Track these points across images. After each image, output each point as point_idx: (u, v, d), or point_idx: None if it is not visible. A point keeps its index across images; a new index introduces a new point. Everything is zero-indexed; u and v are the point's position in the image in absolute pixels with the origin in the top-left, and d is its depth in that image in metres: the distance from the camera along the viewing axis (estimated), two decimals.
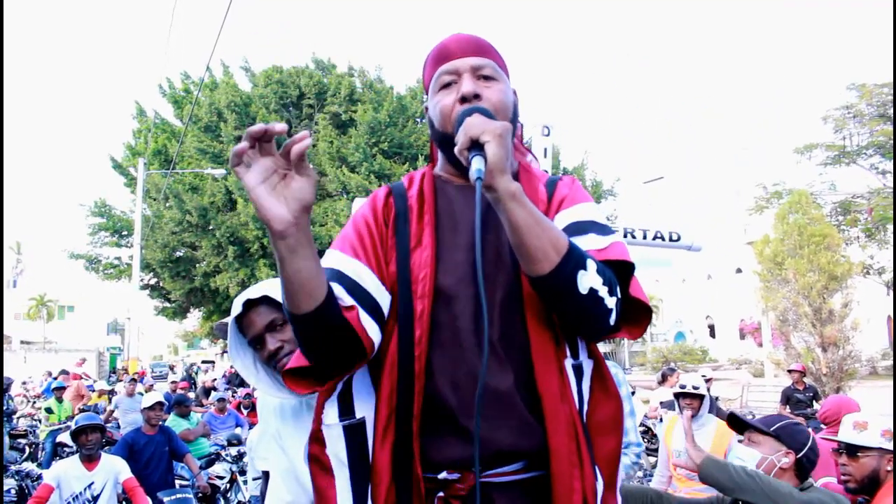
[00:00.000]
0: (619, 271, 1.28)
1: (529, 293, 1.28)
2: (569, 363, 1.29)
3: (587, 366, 1.33)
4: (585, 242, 1.28)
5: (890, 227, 21.43)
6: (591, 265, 1.20)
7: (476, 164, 1.16)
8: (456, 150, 1.21)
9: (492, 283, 1.30)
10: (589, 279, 1.19)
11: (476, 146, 1.18)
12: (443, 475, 1.25)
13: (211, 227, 21.74)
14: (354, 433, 1.30)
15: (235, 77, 23.82)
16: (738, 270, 34.92)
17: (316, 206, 21.72)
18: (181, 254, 23.31)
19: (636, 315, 1.33)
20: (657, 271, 46.62)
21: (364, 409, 1.30)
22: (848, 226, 21.87)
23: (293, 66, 23.50)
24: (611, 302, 1.22)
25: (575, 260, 1.19)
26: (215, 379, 19.05)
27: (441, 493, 1.25)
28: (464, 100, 1.36)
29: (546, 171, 1.63)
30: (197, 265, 22.86)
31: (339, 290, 1.26)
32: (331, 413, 1.32)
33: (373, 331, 1.26)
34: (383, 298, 1.30)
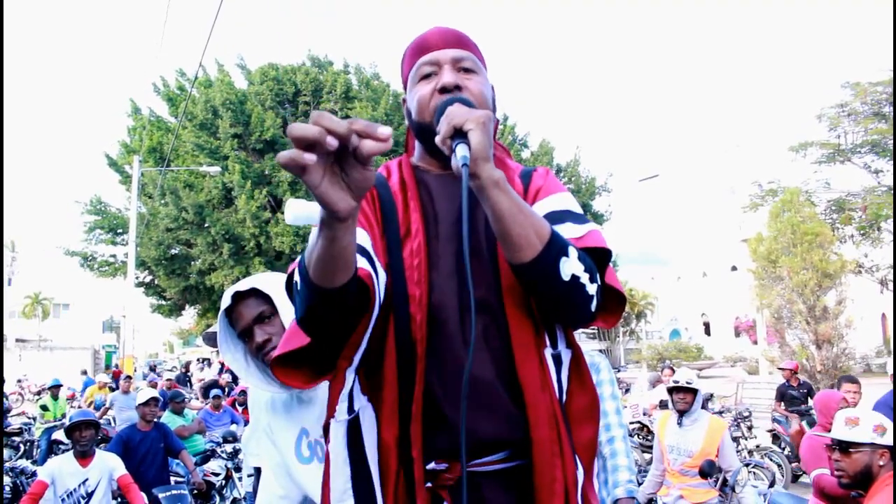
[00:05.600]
0: (596, 259, 1.28)
1: (508, 285, 1.29)
2: (548, 353, 1.30)
3: (566, 355, 1.34)
4: (563, 231, 1.28)
5: (884, 225, 21.50)
6: (573, 252, 1.21)
7: (461, 151, 1.16)
8: (438, 139, 1.21)
9: (471, 275, 1.30)
10: (571, 266, 1.19)
11: (459, 134, 1.18)
12: (431, 465, 1.25)
13: (206, 225, 21.71)
14: (353, 427, 1.29)
15: (231, 74, 23.78)
16: (734, 268, 35.00)
17: None
18: (176, 251, 23.29)
19: (610, 304, 1.34)
20: (653, 269, 46.80)
21: (359, 401, 1.29)
22: (842, 224, 21.90)
23: (289, 63, 23.48)
24: (592, 289, 1.23)
25: (558, 247, 1.19)
26: (203, 378, 19.07)
27: (429, 484, 1.25)
28: (444, 90, 1.36)
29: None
30: (192, 263, 22.83)
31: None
32: (342, 408, 1.28)
33: (380, 290, 1.23)
34: (378, 263, 1.28)
